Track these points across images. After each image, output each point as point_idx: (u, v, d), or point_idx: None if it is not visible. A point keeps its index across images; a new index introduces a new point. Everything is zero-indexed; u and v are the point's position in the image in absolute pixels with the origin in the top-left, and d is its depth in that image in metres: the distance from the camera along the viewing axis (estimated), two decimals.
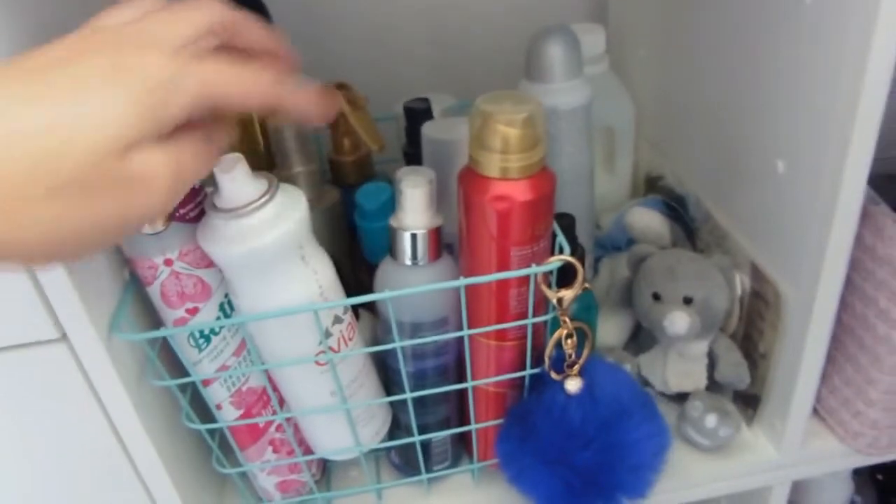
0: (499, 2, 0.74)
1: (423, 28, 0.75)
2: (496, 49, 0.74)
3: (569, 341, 0.44)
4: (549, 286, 0.44)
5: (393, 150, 0.59)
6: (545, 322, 0.47)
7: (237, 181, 0.38)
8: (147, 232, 0.40)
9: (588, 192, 0.60)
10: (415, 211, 0.45)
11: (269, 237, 0.39)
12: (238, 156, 0.39)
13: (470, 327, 0.45)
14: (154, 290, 0.42)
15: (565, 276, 0.44)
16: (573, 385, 0.45)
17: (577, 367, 0.45)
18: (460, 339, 0.49)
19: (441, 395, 0.51)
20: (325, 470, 0.56)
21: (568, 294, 0.43)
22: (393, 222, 0.45)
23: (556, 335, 0.44)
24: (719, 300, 0.52)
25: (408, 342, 0.45)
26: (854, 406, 0.52)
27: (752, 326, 0.55)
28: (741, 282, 0.54)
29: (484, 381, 0.48)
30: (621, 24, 0.73)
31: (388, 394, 0.50)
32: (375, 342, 0.50)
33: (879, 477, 0.78)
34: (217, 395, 0.46)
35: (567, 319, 0.44)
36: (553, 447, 0.44)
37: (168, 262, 0.41)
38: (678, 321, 0.52)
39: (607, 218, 0.67)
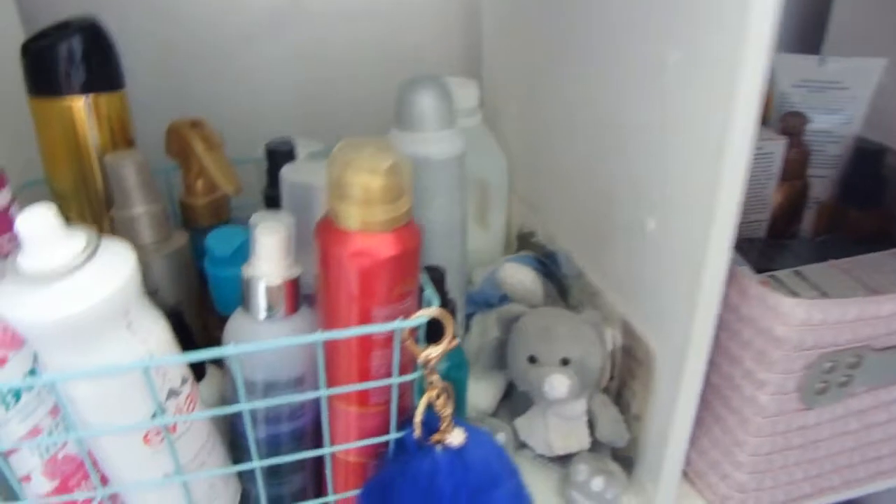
0: (371, 50, 0.72)
1: (292, 71, 0.71)
2: (366, 97, 0.72)
3: (439, 401, 0.41)
4: (417, 342, 0.41)
5: (253, 194, 0.55)
6: (412, 383, 0.44)
7: (45, 238, 0.32)
8: None
9: (460, 245, 0.58)
10: (270, 259, 0.40)
11: (84, 306, 0.33)
12: (47, 208, 0.33)
13: (329, 388, 0.40)
14: None
15: (435, 333, 0.41)
16: (456, 438, 0.41)
17: (450, 424, 0.41)
18: (317, 402, 0.44)
19: (297, 464, 0.45)
20: None
21: (435, 351, 0.40)
22: (246, 271, 0.41)
23: (425, 397, 0.41)
24: (595, 358, 0.51)
25: (257, 404, 0.40)
26: (722, 468, 0.51)
27: (624, 387, 0.53)
28: (612, 337, 0.53)
29: (343, 447, 0.44)
30: (494, 80, 0.73)
31: (236, 463, 0.44)
32: (224, 403, 0.44)
33: None
34: (26, 463, 0.39)
35: (434, 379, 0.40)
36: None
37: None
38: (558, 384, 0.49)
39: (480, 274, 0.65)
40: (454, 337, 0.40)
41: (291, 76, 0.72)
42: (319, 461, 0.47)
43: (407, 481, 0.41)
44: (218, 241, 0.46)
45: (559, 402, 0.52)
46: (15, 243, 0.36)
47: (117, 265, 0.34)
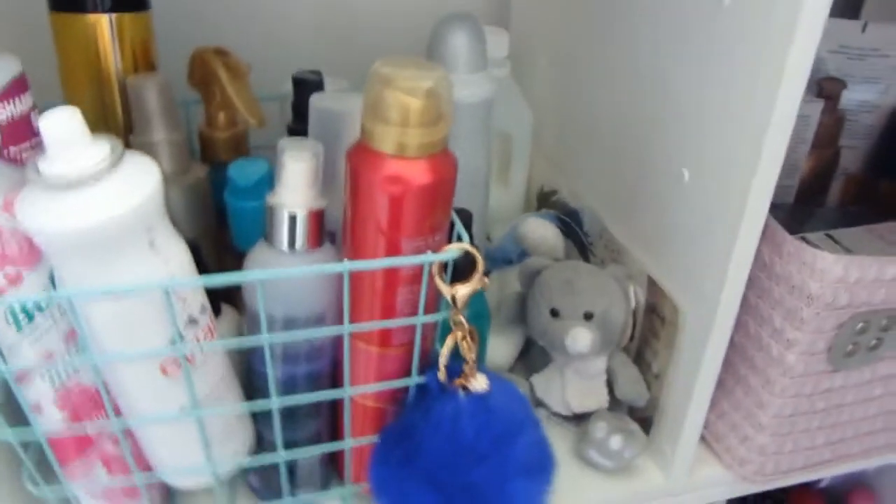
0: None
1: (317, 9, 0.69)
2: (394, 39, 0.70)
3: (464, 343, 0.39)
4: (444, 281, 0.39)
5: (273, 133, 0.53)
6: (434, 325, 0.42)
7: (69, 142, 0.31)
8: None
9: (482, 196, 0.56)
10: (296, 188, 0.39)
11: (107, 215, 0.31)
12: (72, 110, 0.31)
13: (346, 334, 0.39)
14: None
15: (459, 274, 0.40)
16: (479, 383, 0.40)
17: (474, 369, 0.40)
18: (337, 343, 0.43)
19: (312, 409, 0.44)
20: (170, 496, 0.47)
21: (464, 289, 0.39)
22: (270, 199, 0.39)
23: (451, 337, 0.39)
24: (618, 313, 0.50)
25: (278, 336, 0.39)
26: (742, 431, 0.50)
27: (645, 345, 0.52)
28: (636, 294, 0.51)
29: (363, 389, 0.42)
30: (523, 31, 0.71)
31: (254, 412, 0.43)
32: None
33: None
34: (37, 391, 0.37)
35: (463, 319, 0.39)
36: (442, 467, 0.39)
37: None
38: (581, 338, 0.48)
39: (498, 231, 0.64)
40: (484, 274, 0.39)
41: (317, 15, 0.70)
42: (334, 408, 0.46)
43: (429, 425, 0.40)
44: (240, 172, 0.45)
45: (579, 358, 0.51)
46: (36, 152, 0.34)
47: (142, 177, 0.33)
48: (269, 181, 0.44)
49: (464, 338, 0.40)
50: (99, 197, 0.31)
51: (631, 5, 0.52)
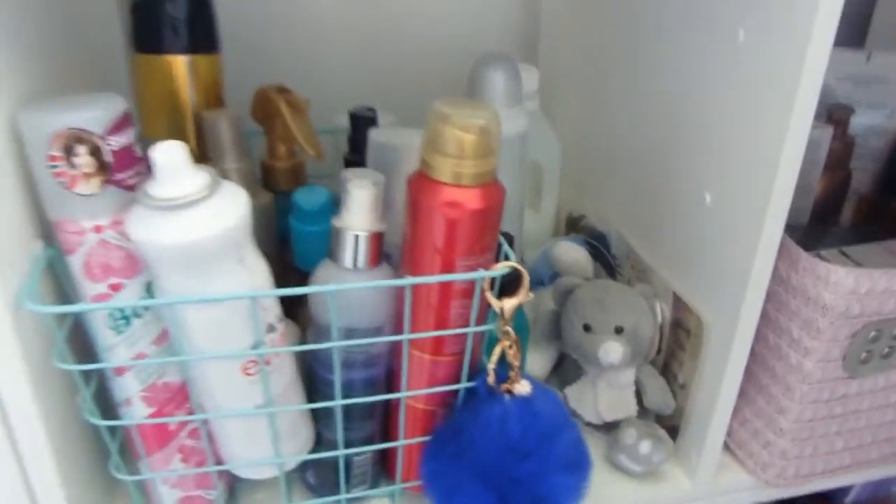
0: (432, 30, 0.76)
1: (359, 48, 0.76)
2: (430, 76, 0.76)
3: (511, 351, 0.44)
4: (493, 295, 0.44)
5: (325, 165, 0.58)
6: (482, 337, 0.47)
7: (177, 170, 0.36)
8: (79, 192, 0.37)
9: (518, 222, 0.61)
10: (360, 212, 0.43)
11: (210, 233, 0.36)
12: (180, 143, 0.36)
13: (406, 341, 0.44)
14: (76, 260, 0.38)
15: (503, 290, 0.44)
16: (524, 387, 0.44)
17: (518, 374, 0.44)
18: (391, 352, 0.47)
19: (367, 411, 0.49)
20: (232, 492, 0.51)
21: (512, 302, 0.43)
22: (336, 222, 0.44)
23: (499, 346, 0.44)
24: (646, 328, 0.54)
25: (346, 342, 0.43)
26: (764, 436, 0.54)
27: (671, 357, 0.56)
28: (661, 310, 0.55)
29: (418, 393, 0.47)
30: (551, 66, 0.76)
31: (315, 413, 0.48)
32: (301, 356, 0.47)
33: None
34: (128, 387, 0.42)
35: (510, 329, 0.44)
36: (491, 463, 0.43)
37: (97, 229, 0.38)
38: (612, 351, 0.52)
39: (529, 254, 0.68)
40: (529, 289, 0.43)
41: (363, 53, 0.76)
42: (386, 412, 0.50)
43: (478, 425, 0.44)
44: (304, 198, 0.49)
45: (610, 369, 0.55)
46: (139, 178, 0.39)
47: (235, 202, 0.38)
48: (329, 207, 0.49)
49: (510, 346, 0.44)
50: (200, 218, 0.36)
51: (654, 40, 0.57)
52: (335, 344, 0.42)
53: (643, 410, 0.56)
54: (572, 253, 0.63)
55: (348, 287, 0.41)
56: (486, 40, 0.78)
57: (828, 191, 0.65)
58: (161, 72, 0.50)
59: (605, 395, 0.56)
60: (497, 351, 0.44)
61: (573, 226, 0.72)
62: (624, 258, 0.63)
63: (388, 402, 0.49)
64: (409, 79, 0.76)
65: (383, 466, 0.53)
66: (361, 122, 0.52)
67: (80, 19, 0.53)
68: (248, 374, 0.41)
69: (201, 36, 0.50)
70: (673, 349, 0.56)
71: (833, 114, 0.63)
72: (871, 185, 0.68)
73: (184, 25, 0.49)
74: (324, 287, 0.40)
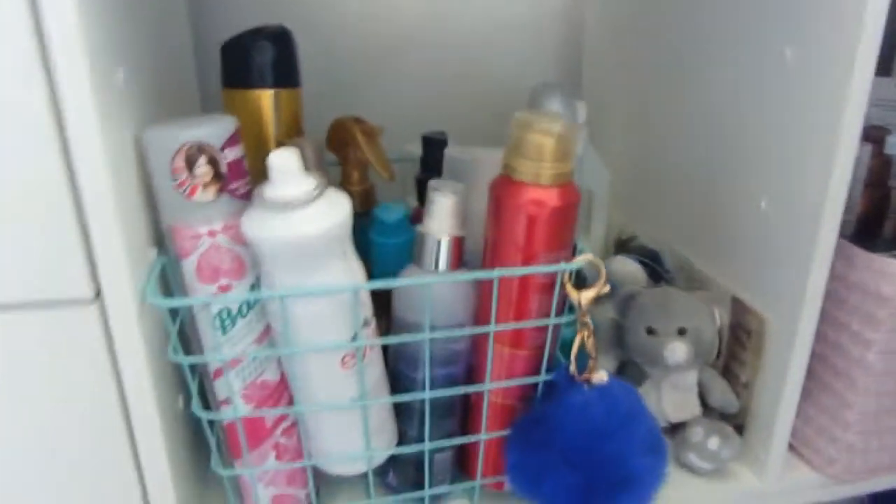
0: (476, 66, 0.83)
1: (416, 82, 0.82)
2: (474, 108, 0.83)
3: (589, 341, 0.46)
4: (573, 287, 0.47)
5: (390, 190, 0.62)
6: (558, 331, 0.49)
7: (290, 174, 0.40)
8: (197, 200, 0.41)
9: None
10: (444, 218, 0.47)
11: (319, 228, 0.40)
12: (293, 150, 0.41)
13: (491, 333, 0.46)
14: (189, 263, 0.42)
15: (578, 284, 0.47)
16: (602, 376, 0.46)
17: (596, 364, 0.47)
18: (471, 348, 0.50)
19: (448, 409, 0.51)
20: (318, 494, 0.54)
21: (589, 294, 0.46)
22: (421, 229, 0.47)
23: (579, 335, 0.46)
24: (708, 330, 0.56)
25: (436, 334, 0.46)
26: (830, 432, 0.55)
27: (732, 358, 0.58)
28: (719, 315, 0.58)
29: (502, 385, 0.49)
30: (595, 98, 0.81)
31: (398, 412, 0.50)
32: (385, 357, 0.50)
33: None
34: (228, 387, 0.45)
35: (587, 320, 0.46)
36: (576, 447, 0.45)
37: (211, 234, 0.42)
38: (678, 350, 0.55)
39: None
40: (606, 282, 0.46)
41: (415, 86, 0.84)
42: (466, 409, 0.52)
43: (561, 414, 0.47)
44: (385, 213, 0.53)
45: (675, 371, 0.57)
46: (248, 187, 0.43)
47: (339, 203, 0.42)
48: (407, 221, 0.53)
49: (589, 336, 0.47)
50: (310, 216, 0.40)
51: (702, 61, 0.61)
52: (427, 335, 0.45)
53: (707, 411, 0.58)
54: (628, 267, 0.66)
55: (443, 280, 0.44)
56: (530, 74, 0.83)
57: (869, 207, 0.67)
58: (249, 104, 0.55)
59: (669, 397, 0.58)
60: (577, 341, 0.47)
61: (622, 247, 0.75)
62: (678, 271, 0.66)
63: (467, 399, 0.52)
64: (457, 113, 0.82)
65: (460, 467, 0.55)
66: (433, 144, 0.57)
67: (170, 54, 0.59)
68: (346, 367, 0.44)
69: (284, 72, 0.55)
70: (734, 351, 0.58)
71: (870, 133, 0.67)
72: None
73: (270, 63, 0.54)
74: (421, 279, 0.44)
